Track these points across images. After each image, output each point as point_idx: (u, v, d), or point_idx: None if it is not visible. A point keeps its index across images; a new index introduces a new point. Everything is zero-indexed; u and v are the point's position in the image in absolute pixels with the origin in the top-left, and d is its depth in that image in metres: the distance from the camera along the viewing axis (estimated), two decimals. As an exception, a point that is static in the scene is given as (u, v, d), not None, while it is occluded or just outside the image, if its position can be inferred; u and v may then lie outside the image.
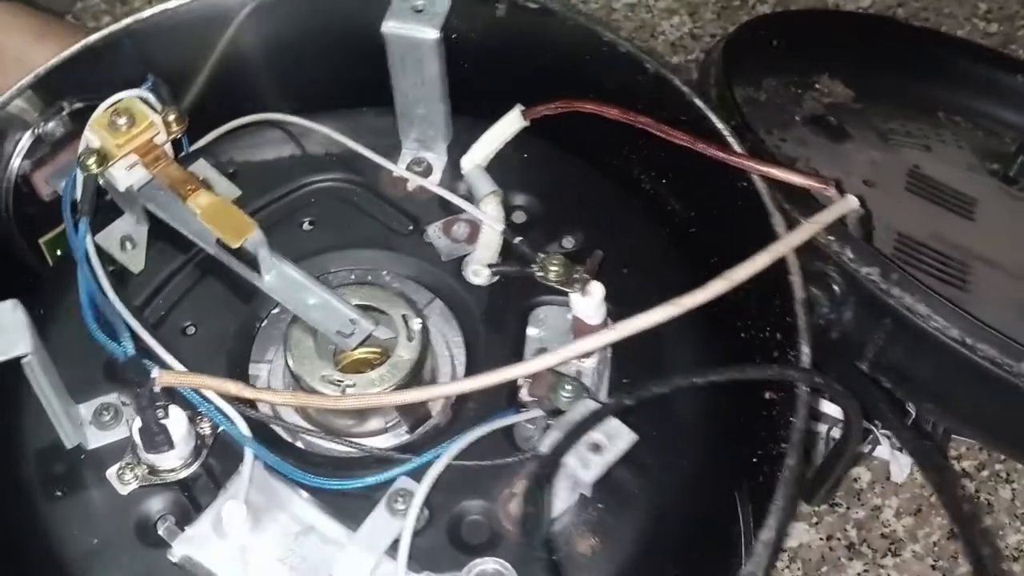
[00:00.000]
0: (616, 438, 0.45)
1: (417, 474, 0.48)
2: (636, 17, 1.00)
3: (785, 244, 0.50)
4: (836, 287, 0.55)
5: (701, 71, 0.71)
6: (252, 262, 0.53)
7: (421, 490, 0.46)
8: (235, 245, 0.52)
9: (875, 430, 0.65)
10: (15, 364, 0.46)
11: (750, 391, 0.52)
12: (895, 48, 0.84)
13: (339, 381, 0.51)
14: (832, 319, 0.56)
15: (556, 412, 0.48)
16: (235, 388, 0.48)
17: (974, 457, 0.70)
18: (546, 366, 0.48)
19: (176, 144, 0.59)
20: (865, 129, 0.77)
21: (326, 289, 0.53)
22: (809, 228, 0.51)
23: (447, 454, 0.47)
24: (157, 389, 0.47)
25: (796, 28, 0.81)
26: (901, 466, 0.67)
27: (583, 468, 0.44)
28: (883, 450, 0.67)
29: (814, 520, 0.67)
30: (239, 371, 0.54)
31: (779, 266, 0.52)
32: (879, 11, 1.01)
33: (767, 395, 0.52)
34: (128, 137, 0.54)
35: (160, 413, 0.48)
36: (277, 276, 0.54)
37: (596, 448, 0.45)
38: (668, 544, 0.50)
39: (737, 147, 0.55)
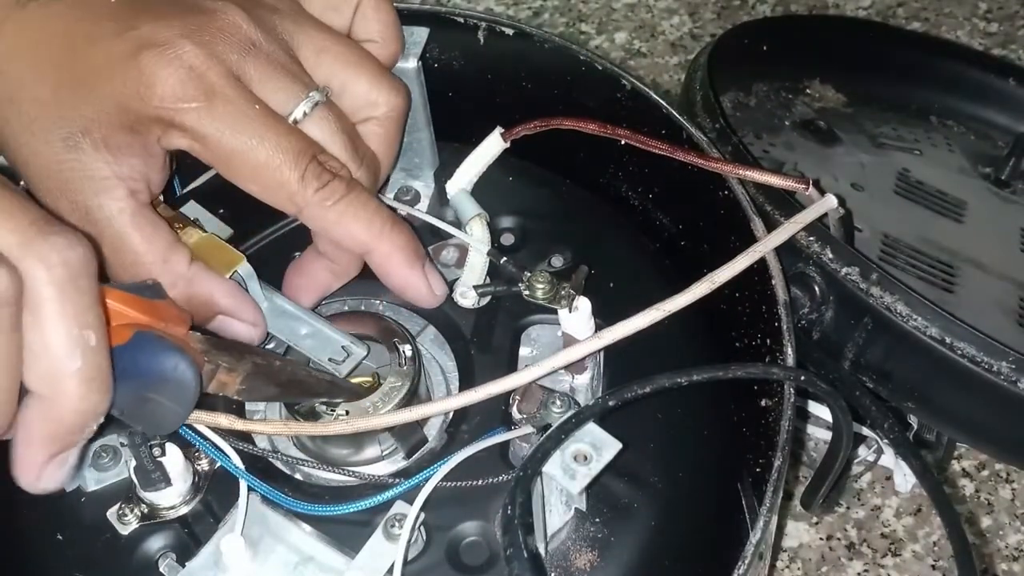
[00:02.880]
0: (602, 448, 0.45)
1: (413, 498, 0.48)
2: (636, 17, 1.01)
3: (765, 245, 0.51)
4: (817, 288, 0.55)
5: (688, 76, 0.71)
6: (244, 296, 0.54)
7: (412, 511, 0.46)
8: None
9: (878, 440, 0.65)
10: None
11: (747, 400, 0.52)
12: (887, 52, 0.85)
13: (332, 410, 0.51)
14: (813, 319, 0.56)
15: (547, 428, 0.49)
16: (226, 421, 0.48)
17: (974, 457, 0.70)
18: (530, 379, 0.48)
19: (168, 188, 0.60)
20: (855, 133, 0.77)
21: (317, 318, 0.54)
22: (788, 228, 0.52)
23: (437, 474, 0.47)
24: (148, 425, 0.47)
25: (786, 33, 0.81)
26: (905, 476, 0.67)
27: (569, 479, 0.44)
28: (887, 459, 0.67)
29: (814, 520, 0.67)
30: (236, 407, 0.54)
31: (763, 269, 0.52)
32: (879, 11, 1.02)
33: (763, 402, 0.51)
34: (116, 182, 0.55)
35: (156, 451, 0.48)
36: (268, 307, 0.54)
37: (582, 459, 0.45)
38: (669, 556, 0.50)
39: (713, 153, 0.55)
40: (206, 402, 0.51)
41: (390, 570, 0.46)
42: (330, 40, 0.51)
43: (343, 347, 0.53)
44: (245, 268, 0.53)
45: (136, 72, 0.46)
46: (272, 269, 0.56)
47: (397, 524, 0.47)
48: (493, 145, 0.59)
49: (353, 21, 0.53)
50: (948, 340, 0.53)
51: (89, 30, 0.47)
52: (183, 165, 0.60)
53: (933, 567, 0.65)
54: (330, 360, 0.52)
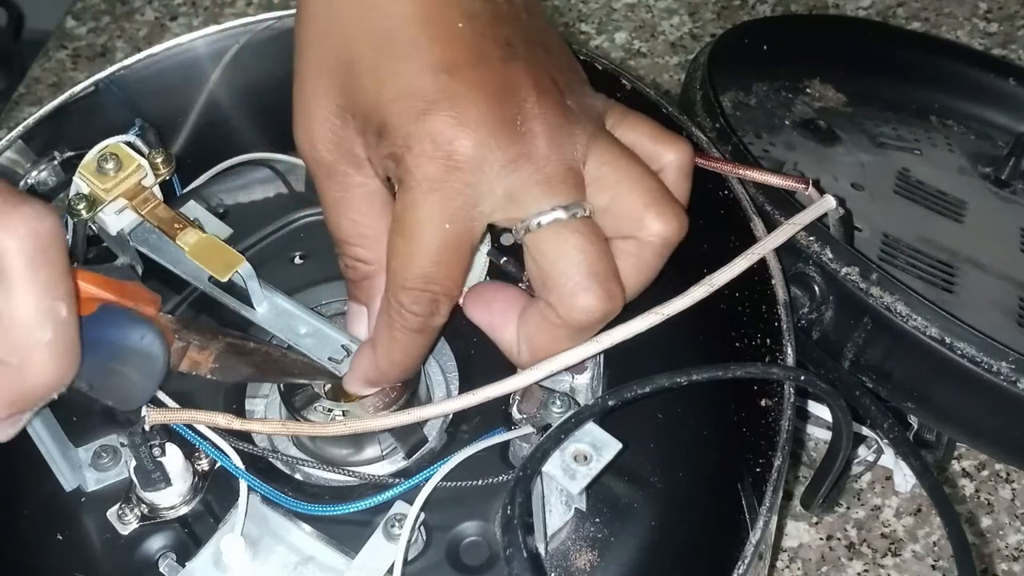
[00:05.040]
0: (602, 448, 0.45)
1: (413, 498, 0.48)
2: (636, 17, 1.01)
3: (764, 246, 0.51)
4: (817, 287, 0.55)
5: (687, 75, 0.71)
6: (243, 296, 0.54)
7: (412, 511, 0.47)
8: (224, 279, 0.52)
9: (878, 440, 0.65)
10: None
11: (747, 400, 0.52)
12: (887, 52, 0.85)
13: (331, 410, 0.51)
14: (813, 319, 0.56)
15: (548, 429, 0.49)
16: (224, 421, 0.48)
17: (974, 457, 0.70)
18: (530, 381, 0.48)
19: (168, 188, 0.60)
20: (855, 133, 0.77)
21: (317, 317, 0.54)
22: (788, 229, 0.52)
23: (437, 474, 0.48)
24: (147, 427, 0.47)
25: (786, 33, 0.81)
26: (905, 476, 0.67)
27: (570, 479, 0.45)
28: (887, 459, 0.67)
29: (814, 520, 0.67)
30: (236, 407, 0.54)
31: (763, 269, 0.52)
32: (879, 11, 1.02)
33: (763, 402, 0.51)
34: (116, 181, 0.55)
35: (156, 451, 0.48)
36: (268, 307, 0.54)
37: (582, 459, 0.45)
38: (669, 556, 0.50)
39: (713, 152, 0.55)
40: (205, 401, 0.51)
41: (390, 570, 0.46)
42: (618, 155, 0.48)
43: (342, 346, 0.53)
44: (245, 269, 0.53)
45: (426, 113, 0.45)
46: (272, 270, 0.56)
47: (397, 524, 0.47)
48: (493, 145, 0.59)
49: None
50: (948, 340, 0.53)
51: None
52: (183, 165, 0.60)
53: (933, 567, 0.65)
54: (330, 359, 0.52)
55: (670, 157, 0.50)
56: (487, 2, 0.47)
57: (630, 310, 0.49)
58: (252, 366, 0.51)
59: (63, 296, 0.40)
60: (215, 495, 0.51)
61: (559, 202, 0.46)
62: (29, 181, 0.60)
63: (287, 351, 0.52)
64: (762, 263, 0.52)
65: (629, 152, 0.48)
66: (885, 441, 0.65)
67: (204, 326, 0.50)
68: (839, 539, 0.67)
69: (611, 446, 0.46)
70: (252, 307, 0.54)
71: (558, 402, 0.49)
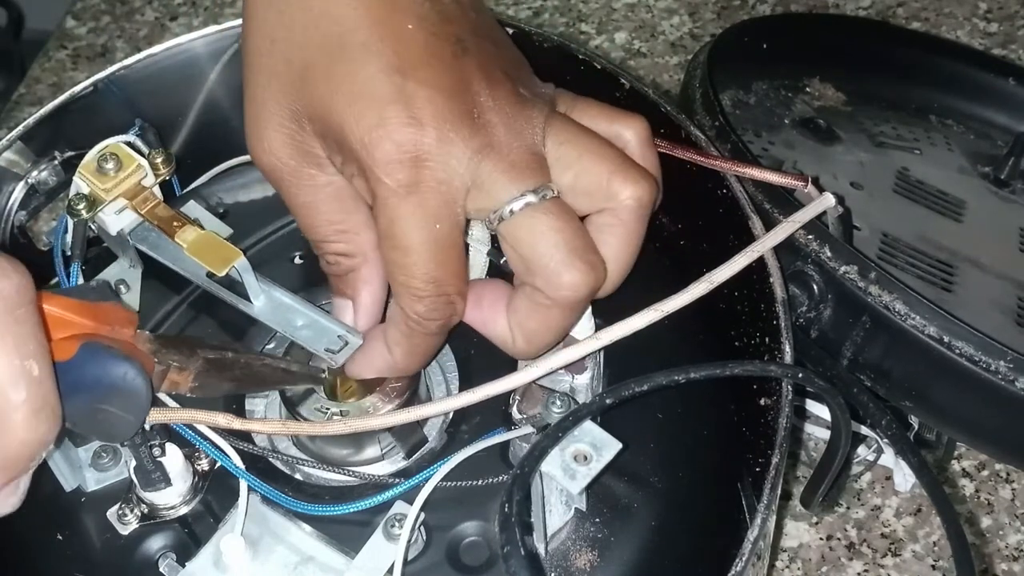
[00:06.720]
0: (602, 448, 0.45)
1: (413, 498, 0.48)
2: (636, 17, 1.01)
3: (763, 244, 0.51)
4: (815, 286, 0.55)
5: (687, 74, 0.71)
6: (241, 290, 0.54)
7: (412, 511, 0.47)
8: (221, 273, 0.53)
9: (878, 439, 0.65)
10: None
11: (747, 400, 0.52)
12: (887, 52, 0.85)
13: (327, 409, 0.51)
14: (812, 318, 0.56)
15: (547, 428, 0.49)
16: (224, 420, 0.48)
17: (974, 457, 0.70)
18: (530, 379, 0.48)
19: (168, 188, 0.60)
20: (855, 132, 0.77)
21: (313, 308, 0.54)
22: (787, 227, 0.52)
23: (437, 474, 0.48)
24: (147, 427, 0.47)
25: (786, 32, 0.81)
26: (905, 476, 0.67)
27: (570, 479, 0.44)
28: (887, 459, 0.67)
29: (814, 520, 0.67)
30: (235, 407, 0.54)
31: (761, 267, 0.52)
32: (879, 11, 1.02)
33: (762, 401, 0.51)
34: (116, 181, 0.55)
35: (156, 451, 0.48)
36: (266, 300, 0.54)
37: (582, 459, 0.45)
38: (669, 556, 0.50)
39: (712, 150, 0.55)
40: (205, 401, 0.51)
41: (390, 570, 0.46)
42: (574, 132, 0.49)
43: (339, 336, 0.53)
44: (241, 263, 0.53)
45: (383, 117, 0.45)
46: (272, 270, 0.56)
47: (397, 524, 0.47)
48: (493, 145, 0.59)
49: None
50: (946, 339, 0.53)
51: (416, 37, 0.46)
52: (183, 165, 0.60)
53: (933, 567, 0.65)
54: (326, 350, 0.52)
55: (629, 134, 0.51)
56: (435, 3, 0.47)
57: (629, 308, 0.50)
58: (232, 380, 0.51)
59: (35, 353, 0.40)
60: (215, 495, 0.51)
61: (527, 187, 0.46)
62: (29, 181, 0.60)
63: (266, 357, 0.52)
64: (761, 261, 0.52)
65: (585, 128, 0.49)
66: (885, 440, 0.65)
67: (184, 342, 0.50)
68: (839, 539, 0.67)
69: (611, 446, 0.46)
70: (249, 301, 0.54)
71: (558, 402, 0.49)
